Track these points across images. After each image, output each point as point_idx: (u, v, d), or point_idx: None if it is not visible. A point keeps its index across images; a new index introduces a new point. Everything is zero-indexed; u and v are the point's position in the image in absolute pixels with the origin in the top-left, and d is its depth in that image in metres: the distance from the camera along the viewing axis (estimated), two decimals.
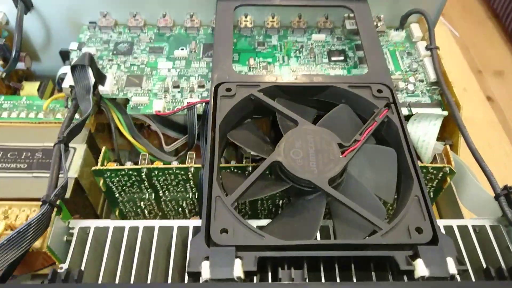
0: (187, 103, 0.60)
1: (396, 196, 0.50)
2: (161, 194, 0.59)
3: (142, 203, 0.61)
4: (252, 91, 0.54)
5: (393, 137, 0.52)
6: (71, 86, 0.61)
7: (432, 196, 0.62)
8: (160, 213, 0.64)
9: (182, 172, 0.55)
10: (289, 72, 0.66)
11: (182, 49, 0.69)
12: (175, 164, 0.56)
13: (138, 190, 0.58)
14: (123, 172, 0.55)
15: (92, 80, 0.59)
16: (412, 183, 0.46)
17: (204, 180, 0.46)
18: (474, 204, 0.58)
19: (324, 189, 0.45)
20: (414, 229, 0.43)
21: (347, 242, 0.44)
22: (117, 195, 0.59)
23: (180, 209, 0.63)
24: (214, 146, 0.48)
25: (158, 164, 0.55)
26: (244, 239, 0.41)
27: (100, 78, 0.62)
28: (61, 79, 0.69)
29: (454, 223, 0.51)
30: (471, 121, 0.89)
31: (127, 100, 0.62)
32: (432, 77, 0.65)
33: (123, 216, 0.64)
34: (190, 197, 0.60)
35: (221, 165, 0.54)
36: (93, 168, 0.54)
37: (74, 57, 0.68)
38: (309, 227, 0.45)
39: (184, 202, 0.61)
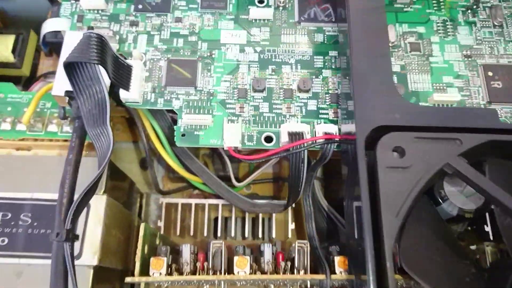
0: (290, 138, 0.32)
1: None
2: None
3: None
4: (446, 155, 0.26)
5: None
6: (68, 93, 0.32)
7: None
8: None
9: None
10: (456, 57, 0.36)
11: (262, 2, 0.38)
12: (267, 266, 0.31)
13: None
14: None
15: (107, 81, 0.31)
16: None
17: None
18: None
19: None
20: None
21: None
22: None
23: None
24: None
25: (243, 265, 0.30)
26: None
27: (121, 75, 0.33)
28: (49, 42, 0.40)
29: None
30: None
31: (171, 112, 0.35)
32: None
33: None
34: None
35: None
36: (127, 280, 0.29)
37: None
38: None
39: None
